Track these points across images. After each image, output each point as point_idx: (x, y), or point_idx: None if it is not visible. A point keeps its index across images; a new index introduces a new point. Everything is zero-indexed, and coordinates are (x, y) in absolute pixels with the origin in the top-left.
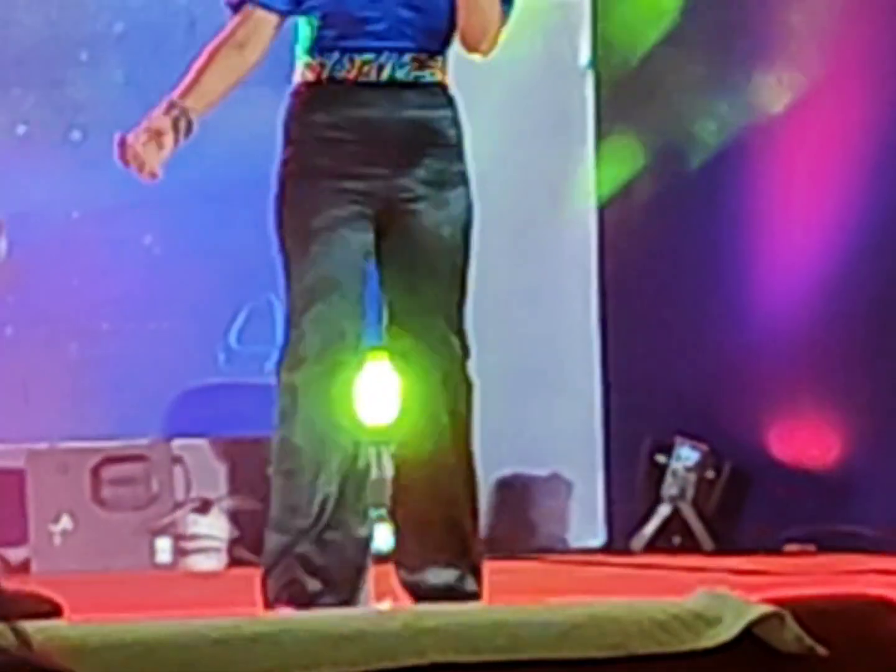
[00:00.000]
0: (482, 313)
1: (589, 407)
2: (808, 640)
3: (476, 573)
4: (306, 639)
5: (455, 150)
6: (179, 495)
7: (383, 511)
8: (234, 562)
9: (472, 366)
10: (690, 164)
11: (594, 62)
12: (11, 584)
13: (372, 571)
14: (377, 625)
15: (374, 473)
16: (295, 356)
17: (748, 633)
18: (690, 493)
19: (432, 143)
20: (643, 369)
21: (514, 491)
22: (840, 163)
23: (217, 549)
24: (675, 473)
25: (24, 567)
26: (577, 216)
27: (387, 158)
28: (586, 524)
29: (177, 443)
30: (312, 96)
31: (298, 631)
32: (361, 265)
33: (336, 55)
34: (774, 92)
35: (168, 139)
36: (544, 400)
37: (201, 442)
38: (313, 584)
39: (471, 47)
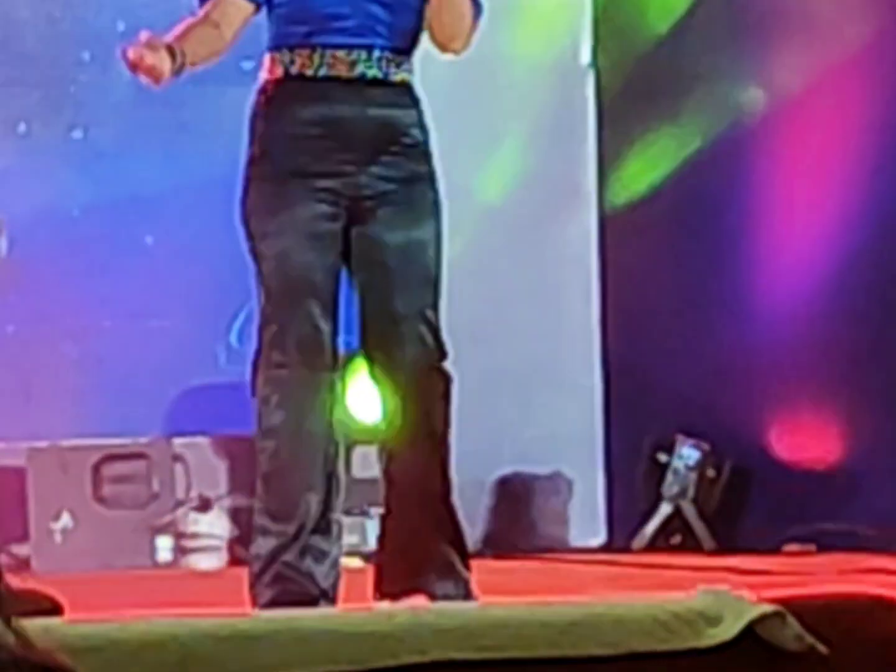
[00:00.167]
0: (483, 312)
1: (590, 405)
2: (809, 639)
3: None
4: (307, 637)
5: (420, 150)
6: (180, 494)
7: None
8: (235, 560)
9: (449, 363)
10: (691, 163)
11: (595, 62)
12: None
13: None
14: (379, 623)
15: (363, 473)
16: (270, 359)
17: (749, 632)
18: (691, 492)
19: (398, 143)
20: (644, 368)
21: (514, 489)
22: (842, 161)
23: (217, 548)
24: (675, 472)
25: (24, 565)
26: (579, 215)
27: (355, 156)
28: (587, 523)
29: (177, 441)
30: (280, 92)
31: (299, 629)
32: (333, 264)
33: (306, 51)
34: (776, 88)
35: (166, 56)
36: (545, 399)
37: (202, 440)
38: (303, 590)
39: (443, 46)
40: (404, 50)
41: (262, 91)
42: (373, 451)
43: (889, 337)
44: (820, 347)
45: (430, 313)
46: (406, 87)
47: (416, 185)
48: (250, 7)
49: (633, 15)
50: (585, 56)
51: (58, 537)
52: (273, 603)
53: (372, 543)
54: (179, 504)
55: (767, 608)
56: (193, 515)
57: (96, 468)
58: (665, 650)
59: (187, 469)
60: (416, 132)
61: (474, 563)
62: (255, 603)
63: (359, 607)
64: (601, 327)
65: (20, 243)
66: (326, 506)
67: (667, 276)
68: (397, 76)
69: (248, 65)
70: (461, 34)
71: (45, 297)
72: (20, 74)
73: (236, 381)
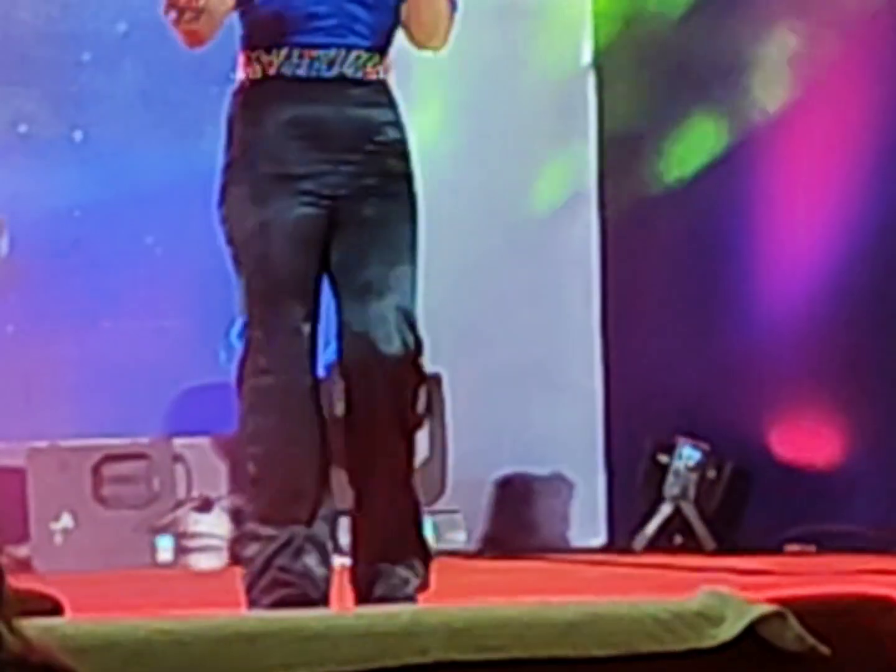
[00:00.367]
0: (484, 313)
1: (591, 406)
2: (810, 640)
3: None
4: (308, 637)
5: (397, 148)
6: (180, 494)
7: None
8: (235, 560)
9: (449, 364)
10: (692, 163)
11: (596, 60)
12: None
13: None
14: (380, 623)
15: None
16: (256, 364)
17: (750, 633)
18: (692, 492)
19: (374, 141)
20: (645, 369)
21: (515, 490)
22: (843, 163)
23: (218, 548)
24: (676, 473)
25: (25, 565)
26: (579, 215)
27: (334, 156)
28: (588, 523)
29: (178, 441)
30: (259, 93)
31: (300, 629)
32: (315, 267)
33: (285, 51)
34: (778, 87)
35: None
36: (546, 400)
37: (202, 440)
38: (302, 592)
39: (422, 44)
40: (382, 49)
41: (240, 91)
42: None
43: (889, 338)
44: (820, 348)
45: (407, 309)
46: (383, 86)
47: (393, 184)
48: (231, 1)
49: (633, 14)
50: (586, 56)
51: (58, 537)
52: (273, 608)
53: None
54: (180, 504)
55: (768, 608)
56: (194, 515)
57: (97, 468)
58: (666, 650)
59: (188, 469)
60: (392, 131)
61: (475, 562)
62: (252, 608)
63: (359, 607)
64: (601, 327)
65: (21, 243)
66: (318, 508)
67: (667, 277)
68: (375, 75)
69: None
70: (440, 31)
71: (46, 297)
72: (21, 74)
73: (235, 378)
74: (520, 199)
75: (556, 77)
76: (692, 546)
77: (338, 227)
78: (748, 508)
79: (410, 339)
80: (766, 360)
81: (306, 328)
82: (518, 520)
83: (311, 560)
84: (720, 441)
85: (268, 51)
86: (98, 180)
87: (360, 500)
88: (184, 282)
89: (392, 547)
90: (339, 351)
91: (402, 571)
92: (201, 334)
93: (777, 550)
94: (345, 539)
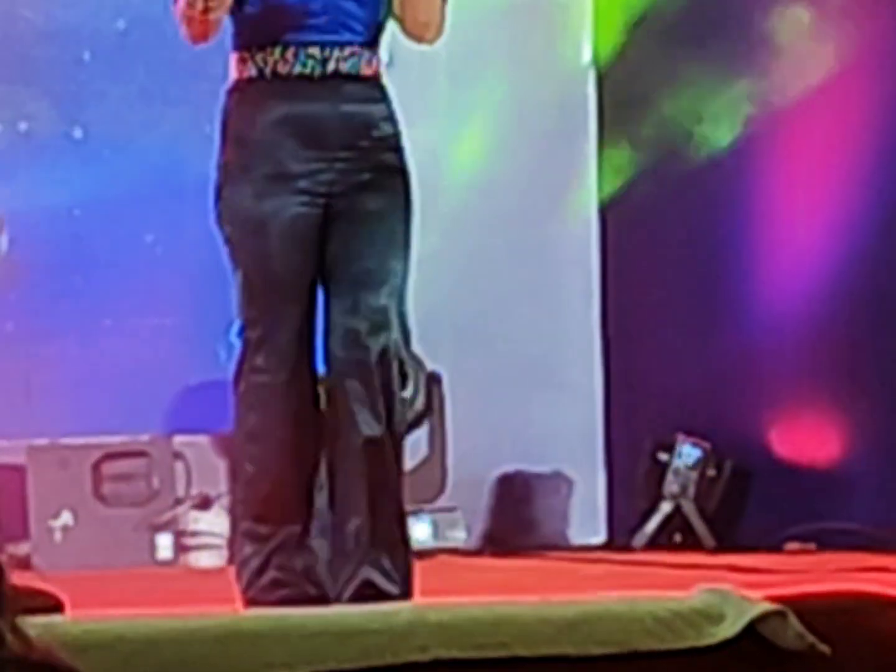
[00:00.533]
0: (484, 311)
1: (590, 404)
2: (810, 637)
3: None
4: (309, 635)
5: (391, 143)
6: (180, 492)
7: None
8: (234, 557)
9: (449, 363)
10: (692, 162)
11: (596, 60)
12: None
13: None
14: (380, 621)
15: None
16: (253, 363)
17: (750, 630)
18: (692, 490)
19: (369, 137)
20: (645, 367)
21: (515, 488)
22: (843, 161)
23: (218, 546)
24: (676, 471)
25: (25, 563)
26: (579, 214)
27: (330, 153)
28: (588, 521)
29: (178, 439)
30: (253, 92)
31: (301, 627)
32: (312, 265)
33: (278, 49)
34: (778, 87)
35: None
36: (546, 397)
37: (202, 438)
38: (301, 591)
39: (418, 37)
40: (374, 43)
41: (234, 91)
42: None
43: (889, 338)
44: (820, 347)
45: (398, 302)
46: (376, 81)
47: (388, 178)
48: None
49: (633, 14)
50: (586, 55)
51: (58, 535)
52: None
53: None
54: (180, 502)
55: (768, 606)
56: (194, 513)
57: (96, 466)
58: (666, 648)
59: (187, 467)
60: (386, 126)
61: (475, 561)
62: (249, 608)
63: (360, 606)
64: (601, 326)
65: (21, 241)
66: (314, 505)
67: (667, 276)
68: (368, 70)
69: None
70: (434, 23)
71: (46, 295)
72: (20, 73)
73: (232, 378)
74: (520, 197)
75: (557, 76)
76: (692, 544)
77: (333, 223)
78: (748, 507)
79: (397, 333)
80: (766, 358)
81: (304, 326)
82: (518, 518)
83: (309, 559)
84: (720, 439)
85: (261, 49)
86: (98, 178)
87: (340, 496)
88: (184, 280)
89: (373, 547)
90: (327, 344)
91: (375, 574)
92: (201, 332)
93: (777, 549)
94: None
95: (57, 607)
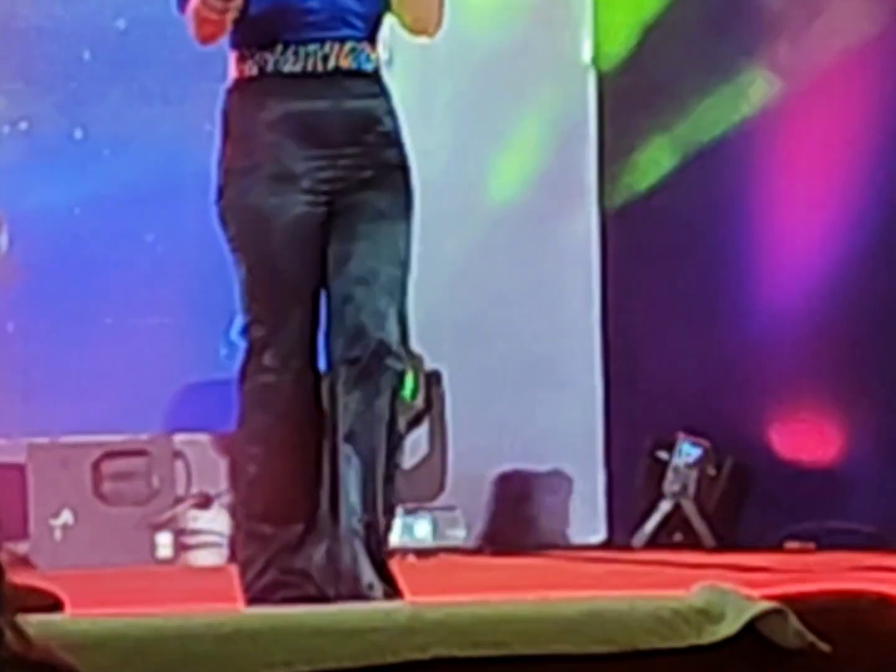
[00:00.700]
0: (484, 310)
1: (590, 403)
2: (809, 636)
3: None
4: (309, 633)
5: (393, 138)
6: (180, 490)
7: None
8: (235, 557)
9: (449, 362)
10: (693, 161)
11: (596, 59)
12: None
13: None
14: (380, 620)
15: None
16: (258, 363)
17: (749, 629)
18: (691, 489)
19: (372, 132)
20: (645, 366)
21: (515, 487)
22: (843, 161)
23: (218, 545)
24: (676, 470)
25: (25, 562)
26: (580, 212)
27: (333, 150)
28: (587, 520)
29: (178, 438)
30: (255, 91)
31: (300, 625)
32: (316, 263)
33: (279, 48)
34: (778, 86)
35: None
36: (546, 396)
37: (202, 437)
38: (303, 591)
39: (418, 31)
40: (373, 38)
41: (234, 90)
42: None
43: (889, 337)
44: (820, 346)
45: (400, 301)
46: (376, 76)
47: (390, 174)
48: None
49: (633, 12)
50: (586, 55)
51: (58, 534)
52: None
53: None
54: (179, 500)
55: (768, 605)
56: (193, 512)
57: (96, 465)
58: (665, 647)
59: (187, 466)
60: (388, 120)
61: (475, 559)
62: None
63: (359, 604)
64: (601, 324)
65: (21, 240)
66: (317, 507)
67: (667, 275)
68: (368, 65)
69: None
70: (434, 16)
71: (46, 294)
72: (21, 72)
73: (237, 377)
74: (520, 196)
75: (557, 74)
76: (692, 543)
77: (334, 220)
78: (748, 505)
79: (397, 331)
80: (765, 357)
81: (308, 325)
82: (518, 516)
83: (310, 558)
84: (720, 438)
85: (261, 48)
86: (98, 177)
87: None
88: (184, 279)
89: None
90: (327, 341)
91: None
92: (201, 331)
93: (776, 547)
94: None
95: (56, 606)
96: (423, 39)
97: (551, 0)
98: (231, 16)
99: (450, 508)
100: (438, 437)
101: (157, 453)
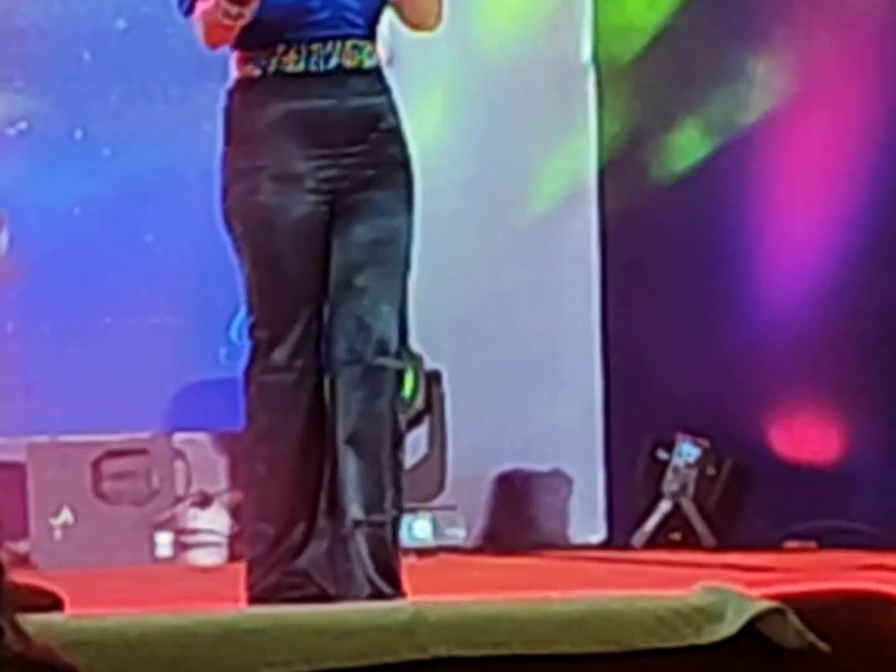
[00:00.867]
0: (483, 309)
1: (590, 403)
2: (810, 636)
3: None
4: (308, 633)
5: (395, 134)
6: (180, 490)
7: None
8: (235, 556)
9: (450, 361)
10: (693, 162)
11: (596, 58)
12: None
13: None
14: (379, 619)
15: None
16: (264, 363)
17: (750, 629)
18: (691, 489)
19: (376, 129)
20: (644, 365)
21: (514, 486)
22: (843, 161)
23: (218, 544)
24: (675, 470)
25: (24, 561)
26: (579, 212)
27: (337, 149)
28: (587, 520)
29: (178, 437)
30: (258, 91)
31: (300, 625)
32: (320, 263)
33: (282, 47)
34: (777, 85)
35: None
36: (545, 395)
37: (202, 436)
38: (305, 592)
39: (418, 26)
40: (373, 34)
41: (236, 90)
42: None
43: (889, 336)
44: (820, 345)
45: (400, 301)
46: (377, 74)
47: (393, 172)
48: None
49: (633, 11)
50: (586, 53)
51: (58, 533)
52: None
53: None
54: (179, 500)
55: (768, 605)
56: (193, 511)
57: (96, 464)
58: (665, 647)
59: (187, 465)
60: (390, 117)
61: (474, 559)
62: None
63: (360, 604)
64: (601, 324)
65: (21, 240)
66: (319, 507)
67: (667, 275)
68: (370, 63)
69: None
70: (434, 11)
71: (46, 294)
72: (21, 72)
73: (237, 377)
74: (520, 196)
75: (556, 74)
76: (691, 543)
77: (338, 218)
78: (748, 505)
79: (397, 330)
80: (765, 356)
81: (313, 324)
82: (517, 516)
83: (313, 558)
84: (720, 438)
85: (263, 48)
86: (98, 177)
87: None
88: (184, 279)
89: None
90: (328, 340)
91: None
92: (201, 330)
93: (777, 547)
94: None
95: (56, 605)
96: (422, 34)
97: (551, 0)
98: (245, 21)
99: (449, 508)
100: (438, 437)
101: (157, 453)
